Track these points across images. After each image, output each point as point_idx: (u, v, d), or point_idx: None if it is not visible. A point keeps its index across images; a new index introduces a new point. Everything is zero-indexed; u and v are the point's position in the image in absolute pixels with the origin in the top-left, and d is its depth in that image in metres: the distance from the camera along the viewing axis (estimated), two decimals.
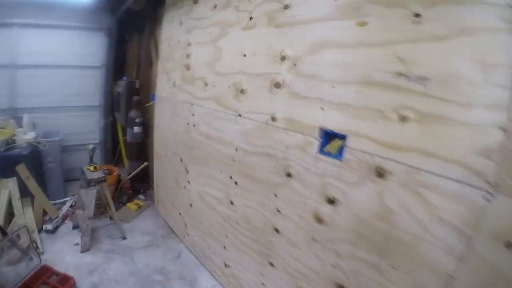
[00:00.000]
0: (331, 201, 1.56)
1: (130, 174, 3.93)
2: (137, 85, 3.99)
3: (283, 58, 1.82)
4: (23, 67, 3.96)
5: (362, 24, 1.40)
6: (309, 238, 1.74)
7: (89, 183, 3.00)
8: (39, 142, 3.55)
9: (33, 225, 3.14)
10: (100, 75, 4.37)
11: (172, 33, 3.19)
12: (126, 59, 4.43)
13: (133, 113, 3.82)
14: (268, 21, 1.96)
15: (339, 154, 1.47)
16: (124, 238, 3.27)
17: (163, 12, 3.37)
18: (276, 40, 1.89)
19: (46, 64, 4.08)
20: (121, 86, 4.06)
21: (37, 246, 2.86)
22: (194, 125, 2.79)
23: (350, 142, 1.45)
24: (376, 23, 1.35)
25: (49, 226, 3.28)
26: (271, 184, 1.96)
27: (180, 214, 3.22)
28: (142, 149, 3.99)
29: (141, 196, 4.03)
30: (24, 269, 2.63)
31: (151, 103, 3.68)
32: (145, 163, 3.90)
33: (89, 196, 3.02)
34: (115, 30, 4.18)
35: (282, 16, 1.84)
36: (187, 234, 3.13)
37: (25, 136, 3.52)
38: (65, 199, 3.82)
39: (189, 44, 2.86)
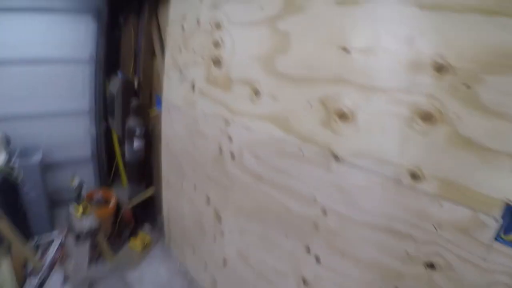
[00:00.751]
0: None
1: (131, 199, 2.75)
2: (135, 84, 2.73)
3: (441, 69, 0.88)
4: None
5: None
6: None
7: (78, 238, 1.84)
8: (12, 168, 2.32)
9: (12, 283, 2.01)
10: (89, 71, 3.04)
11: (187, 10, 1.93)
12: (120, 50, 3.10)
13: (131, 122, 2.59)
14: None
15: None
16: None
17: None
18: (421, 32, 0.91)
19: (19, 59, 2.70)
20: (115, 84, 2.78)
21: None
22: (233, 156, 1.63)
23: None
24: None
25: (34, 281, 2.14)
26: (388, 271, 1.09)
27: (206, 266, 2.10)
28: (145, 168, 2.80)
29: (146, 227, 2.87)
30: None
31: (156, 109, 2.46)
32: (151, 190, 2.71)
33: (80, 254, 1.89)
34: (106, 12, 2.83)
35: None
36: None
37: None
38: (52, 236, 2.63)
39: (218, 26, 1.64)
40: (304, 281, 1.40)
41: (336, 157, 1.17)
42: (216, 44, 1.67)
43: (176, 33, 2.09)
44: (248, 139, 1.52)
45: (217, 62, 1.68)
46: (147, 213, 2.85)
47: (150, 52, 2.63)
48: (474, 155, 0.86)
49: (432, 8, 0.90)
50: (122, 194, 2.93)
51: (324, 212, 1.25)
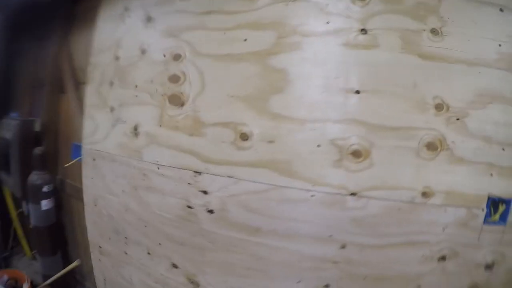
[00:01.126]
0: (489, 266, 1.16)
1: (46, 276, 1.91)
2: (37, 128, 1.96)
3: (439, 107, 1.06)
4: None
5: None
6: None
7: None
8: None
9: None
10: None
11: (123, 35, 1.49)
12: (15, 83, 2.19)
13: (35, 177, 1.83)
14: (403, 45, 1.05)
15: (502, 219, 1.12)
16: None
17: (98, 3, 1.60)
18: (423, 78, 1.05)
19: None
20: (9, 129, 1.92)
21: None
22: (212, 212, 1.29)
23: None
24: None
25: None
26: (410, 276, 1.18)
27: None
28: (59, 233, 2.02)
29: None
30: None
31: (75, 160, 1.81)
32: (75, 263, 1.95)
33: None
34: (4, 33, 1.94)
35: (430, 44, 1.04)
36: None
37: None
38: None
39: (177, 57, 1.30)
40: None
41: (351, 194, 1.09)
42: (175, 79, 1.32)
43: (106, 64, 1.60)
44: (233, 191, 1.21)
45: (176, 101, 1.33)
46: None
47: (58, 87, 1.95)
48: (466, 169, 1.08)
49: (430, 58, 1.03)
50: (31, 270, 2.01)
51: (343, 246, 1.14)
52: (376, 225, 1.12)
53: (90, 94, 1.72)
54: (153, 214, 1.47)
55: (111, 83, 1.59)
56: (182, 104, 1.31)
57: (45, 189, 1.82)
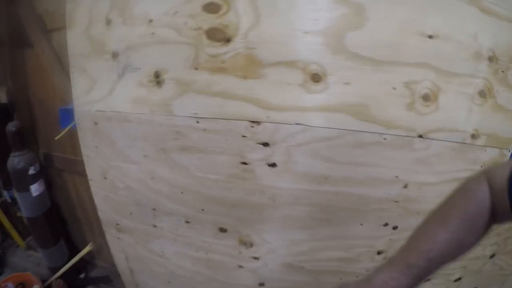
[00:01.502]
0: None
1: (55, 268, 1.57)
2: (3, 99, 1.43)
3: (491, 59, 1.07)
4: None
5: None
6: None
7: None
8: None
9: None
10: None
11: None
12: None
13: (16, 160, 1.38)
14: None
15: None
16: None
17: None
18: (482, 31, 1.04)
19: None
20: None
21: None
22: (274, 165, 1.15)
23: None
24: None
25: None
26: None
27: None
28: (57, 218, 1.63)
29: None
30: None
31: (67, 129, 1.39)
32: (88, 248, 1.62)
33: None
34: None
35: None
36: None
37: None
38: None
39: None
40: (379, 252, 1.27)
41: (419, 136, 1.07)
42: (213, 9, 1.00)
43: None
44: (302, 139, 1.07)
45: (219, 35, 1.04)
46: (88, 273, 1.72)
47: (19, 42, 1.41)
48: (503, 116, 1.16)
49: (487, 13, 1.04)
50: (32, 262, 1.62)
51: (405, 186, 1.16)
52: (434, 164, 1.15)
53: (75, 40, 1.30)
54: (192, 178, 1.26)
55: (108, 21, 1.20)
56: (228, 40, 1.03)
57: (31, 171, 1.38)
